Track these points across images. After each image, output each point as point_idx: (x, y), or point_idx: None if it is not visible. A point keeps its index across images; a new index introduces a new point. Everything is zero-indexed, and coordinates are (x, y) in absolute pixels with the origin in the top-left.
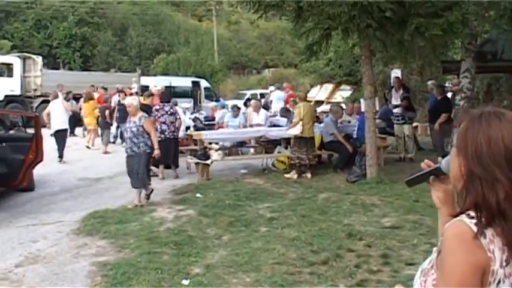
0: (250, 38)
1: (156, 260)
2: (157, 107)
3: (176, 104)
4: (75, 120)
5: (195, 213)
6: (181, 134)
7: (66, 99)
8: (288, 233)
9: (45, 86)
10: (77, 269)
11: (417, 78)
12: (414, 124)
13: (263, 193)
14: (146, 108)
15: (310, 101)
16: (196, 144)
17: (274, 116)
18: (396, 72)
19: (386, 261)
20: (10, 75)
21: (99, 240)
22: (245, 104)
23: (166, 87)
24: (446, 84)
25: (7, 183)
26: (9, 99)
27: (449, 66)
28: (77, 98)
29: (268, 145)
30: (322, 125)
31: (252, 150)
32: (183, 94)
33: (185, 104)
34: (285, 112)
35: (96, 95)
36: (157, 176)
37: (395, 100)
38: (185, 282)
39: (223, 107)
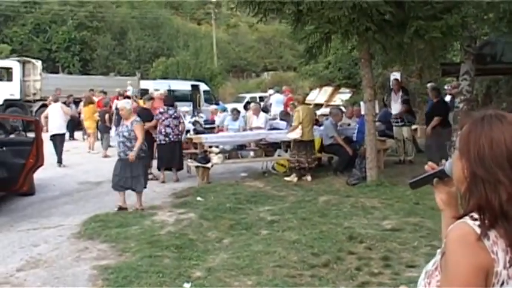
0: (249, 41)
1: (157, 264)
2: (161, 110)
3: (175, 108)
4: (74, 124)
5: (195, 216)
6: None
7: (67, 103)
8: (289, 236)
9: (45, 90)
10: (78, 273)
11: (416, 80)
12: (413, 127)
13: (263, 196)
14: (146, 112)
15: (310, 104)
16: (196, 148)
17: (274, 119)
18: (395, 75)
19: (387, 264)
20: (9, 79)
21: (100, 243)
22: (245, 107)
23: (168, 91)
24: (446, 87)
25: (8, 188)
26: (9, 103)
27: (448, 68)
28: (76, 102)
29: (268, 148)
30: (322, 128)
31: (252, 153)
32: (183, 98)
33: (185, 107)
34: (285, 115)
35: (95, 99)
36: (157, 179)
37: (395, 102)
38: (186, 285)
39: (224, 110)
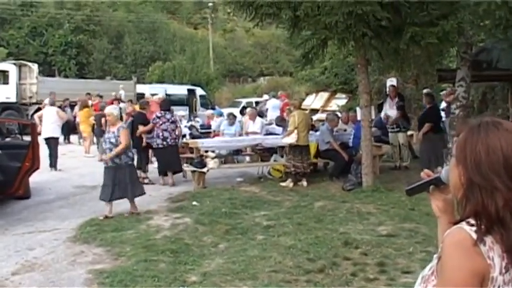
0: (246, 46)
1: (153, 268)
2: (159, 115)
3: (172, 112)
4: (70, 127)
5: (191, 221)
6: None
7: (62, 106)
8: (285, 241)
9: (41, 93)
10: (74, 277)
11: (412, 86)
12: (409, 133)
13: (259, 201)
14: (142, 116)
15: (306, 109)
16: (192, 152)
17: (270, 124)
18: (392, 81)
19: (383, 270)
20: (6, 82)
21: (95, 247)
22: (241, 112)
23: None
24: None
25: (3, 191)
26: (5, 106)
27: (444, 74)
28: (72, 106)
29: (264, 153)
30: (317, 133)
31: (248, 158)
32: (179, 102)
33: (181, 112)
34: (280, 121)
35: (90, 103)
36: (153, 183)
37: (391, 108)
38: None
39: (220, 115)
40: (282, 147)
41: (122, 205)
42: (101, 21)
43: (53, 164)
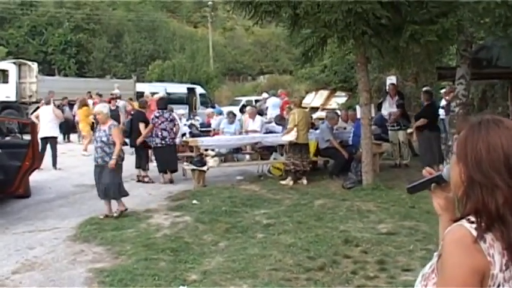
0: (245, 44)
1: (153, 267)
2: (157, 114)
3: (172, 111)
4: (69, 126)
5: (191, 219)
6: (177, 140)
7: (61, 105)
8: (285, 239)
9: (41, 92)
10: (74, 276)
11: (412, 84)
12: (409, 130)
13: (259, 199)
14: (141, 115)
15: (306, 108)
16: (192, 151)
17: (270, 122)
18: (391, 79)
19: (383, 267)
20: (5, 81)
21: (95, 246)
22: (241, 111)
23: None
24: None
25: (3, 190)
26: (5, 105)
27: (444, 72)
28: (72, 104)
29: (264, 152)
30: (317, 131)
31: (247, 156)
32: (179, 101)
33: (180, 110)
34: (280, 120)
35: (91, 102)
36: (153, 182)
37: (391, 107)
38: None
39: (220, 113)
40: (282, 145)
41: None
42: (101, 20)
43: (53, 163)
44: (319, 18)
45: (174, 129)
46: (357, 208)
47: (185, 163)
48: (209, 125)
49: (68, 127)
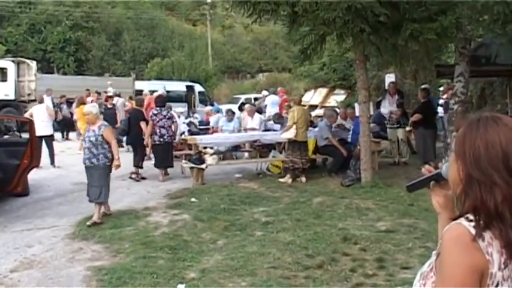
0: (244, 42)
1: (152, 265)
2: (155, 112)
3: (171, 109)
4: (67, 124)
5: (190, 217)
6: (176, 138)
7: (59, 103)
8: (283, 237)
9: (39, 90)
10: (72, 274)
11: (411, 82)
12: (408, 128)
13: (258, 197)
14: (138, 113)
15: (304, 106)
16: (190, 149)
17: (269, 120)
18: (390, 77)
19: (382, 265)
20: (4, 79)
21: (94, 244)
22: (240, 109)
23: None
24: (441, 89)
25: (2, 188)
26: (3, 103)
27: (443, 70)
28: (70, 103)
29: (262, 149)
30: (316, 129)
31: (246, 154)
32: (177, 98)
33: (179, 108)
34: (278, 118)
35: (90, 99)
36: (144, 179)
37: (391, 105)
38: (180, 286)
39: (218, 111)
40: (280, 143)
41: (120, 202)
42: (100, 18)
43: (51, 162)
44: (317, 15)
45: (173, 126)
46: (356, 206)
47: (184, 161)
48: (208, 123)
49: (66, 125)
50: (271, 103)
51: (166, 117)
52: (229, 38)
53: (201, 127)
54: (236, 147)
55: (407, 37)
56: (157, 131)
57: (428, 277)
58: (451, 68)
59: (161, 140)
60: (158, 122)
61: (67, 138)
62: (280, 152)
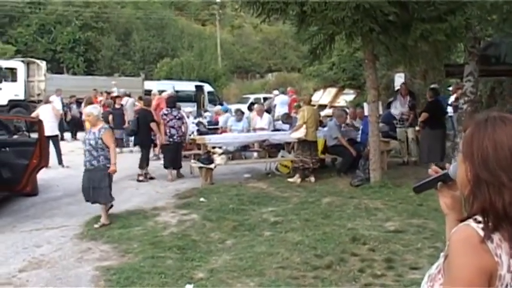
0: (254, 42)
1: (160, 265)
2: (166, 112)
3: (179, 109)
4: (76, 124)
5: (198, 217)
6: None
7: (69, 103)
8: (292, 237)
9: (49, 90)
10: (81, 274)
11: (421, 82)
12: (417, 128)
13: (267, 197)
14: (146, 113)
15: (314, 105)
16: (199, 149)
17: (277, 120)
18: (400, 76)
19: (390, 266)
20: (14, 79)
21: (102, 244)
22: (249, 108)
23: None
24: (450, 88)
25: (11, 188)
26: (13, 103)
27: (452, 69)
28: (80, 103)
29: (271, 149)
30: (325, 129)
31: (255, 154)
32: (187, 98)
33: (188, 108)
34: (287, 118)
35: (100, 98)
36: (152, 178)
37: (402, 106)
38: (189, 286)
39: (226, 111)
40: (289, 143)
41: (128, 202)
42: (109, 18)
43: (59, 161)
44: (326, 15)
45: (183, 127)
46: (365, 206)
47: (192, 161)
48: (217, 123)
49: (75, 125)
50: (280, 103)
51: (177, 117)
52: (238, 38)
53: (210, 127)
54: (245, 147)
55: (417, 37)
56: (167, 131)
57: (436, 279)
58: (460, 67)
59: (170, 140)
60: (168, 122)
61: (75, 138)
62: (289, 152)
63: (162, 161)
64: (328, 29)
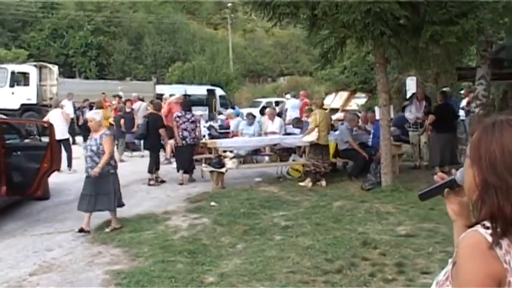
0: (266, 46)
1: (170, 269)
2: (179, 114)
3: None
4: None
5: (209, 221)
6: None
7: (81, 107)
8: (303, 242)
9: (61, 94)
10: (91, 278)
11: (432, 85)
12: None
13: (278, 201)
14: (156, 117)
15: (326, 109)
16: (211, 153)
17: (289, 124)
18: (412, 80)
19: (401, 270)
20: (26, 84)
21: (113, 248)
22: (261, 112)
23: (184, 96)
24: (462, 92)
25: (22, 192)
26: (26, 107)
27: (464, 73)
28: (92, 107)
29: (283, 153)
30: (337, 132)
31: (266, 158)
32: (198, 102)
33: (198, 111)
34: (297, 123)
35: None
36: (163, 182)
37: (417, 111)
38: None
39: (238, 115)
40: (300, 147)
41: (139, 206)
42: (121, 23)
43: (68, 164)
44: (337, 18)
45: (196, 131)
46: (376, 210)
47: (203, 165)
48: (228, 127)
49: (87, 129)
50: (291, 107)
51: (190, 120)
52: (250, 42)
53: (221, 131)
54: (256, 151)
55: (427, 40)
56: (180, 133)
57: (444, 286)
58: (472, 71)
59: (183, 142)
60: (181, 124)
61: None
62: (301, 156)
63: (173, 165)
64: (339, 32)
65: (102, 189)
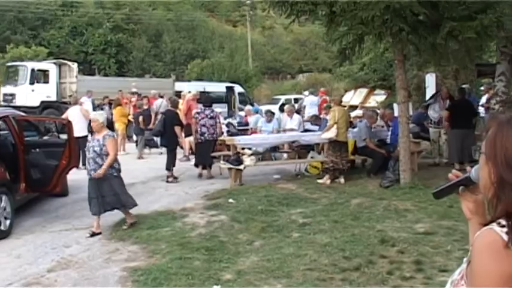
0: (285, 43)
1: (187, 266)
2: (198, 111)
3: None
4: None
5: (227, 218)
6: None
7: (101, 104)
8: (320, 239)
9: (81, 92)
10: (108, 274)
11: (452, 82)
12: None
13: (296, 198)
14: (172, 115)
15: (345, 106)
16: (229, 150)
17: (307, 121)
18: (432, 76)
19: (419, 268)
20: (46, 81)
21: (130, 245)
22: (280, 109)
23: (201, 92)
24: (482, 88)
25: (41, 189)
26: (45, 105)
27: (484, 69)
28: (111, 104)
29: (301, 150)
30: (355, 129)
31: (285, 155)
32: (217, 99)
33: (218, 109)
34: (315, 120)
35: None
36: (177, 182)
37: (441, 110)
38: None
39: (257, 111)
40: (319, 144)
41: (158, 203)
42: (140, 20)
43: (83, 162)
44: (355, 15)
45: (216, 126)
46: (394, 207)
47: (222, 162)
48: (247, 124)
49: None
50: (310, 104)
51: (209, 116)
52: (269, 39)
53: (240, 128)
54: (275, 148)
55: (445, 35)
56: (198, 129)
57: (459, 285)
58: (492, 67)
59: (202, 138)
60: (200, 120)
61: None
62: (319, 153)
63: (191, 162)
64: (358, 29)
65: (106, 191)
